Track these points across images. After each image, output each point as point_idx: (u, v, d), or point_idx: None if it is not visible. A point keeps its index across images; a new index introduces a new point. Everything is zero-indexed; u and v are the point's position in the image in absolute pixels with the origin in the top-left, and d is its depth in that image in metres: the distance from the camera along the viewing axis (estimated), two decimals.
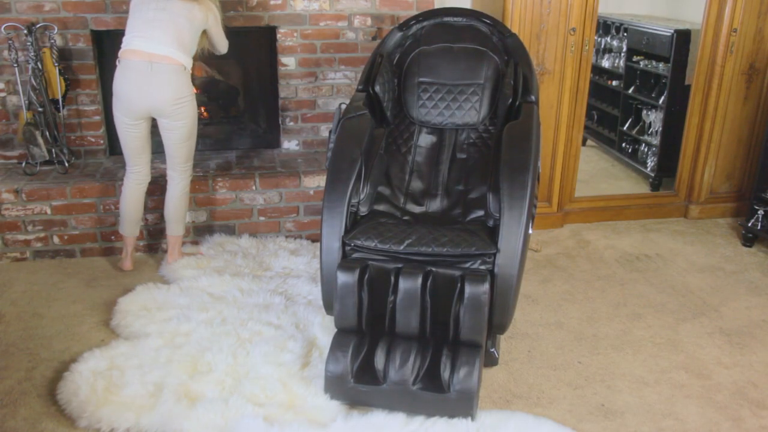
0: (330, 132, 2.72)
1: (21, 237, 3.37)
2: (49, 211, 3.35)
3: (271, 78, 3.86)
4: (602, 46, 5.00)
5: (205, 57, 3.27)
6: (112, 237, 3.44)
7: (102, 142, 3.70)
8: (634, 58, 4.66)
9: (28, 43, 3.32)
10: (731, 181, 4.05)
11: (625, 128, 4.83)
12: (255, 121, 4.02)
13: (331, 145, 2.63)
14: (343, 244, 2.45)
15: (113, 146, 3.77)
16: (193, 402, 2.27)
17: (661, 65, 4.40)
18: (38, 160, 3.49)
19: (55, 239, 3.41)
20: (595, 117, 5.24)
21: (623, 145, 4.88)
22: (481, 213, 2.63)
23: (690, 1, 4.29)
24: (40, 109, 3.42)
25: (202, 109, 4.03)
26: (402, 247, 2.40)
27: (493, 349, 2.56)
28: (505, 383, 2.51)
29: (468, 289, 2.28)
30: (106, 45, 3.62)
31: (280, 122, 3.90)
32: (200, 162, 3.71)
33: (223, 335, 2.65)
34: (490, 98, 2.92)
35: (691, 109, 3.91)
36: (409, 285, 2.32)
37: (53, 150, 3.51)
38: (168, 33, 2.92)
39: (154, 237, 3.49)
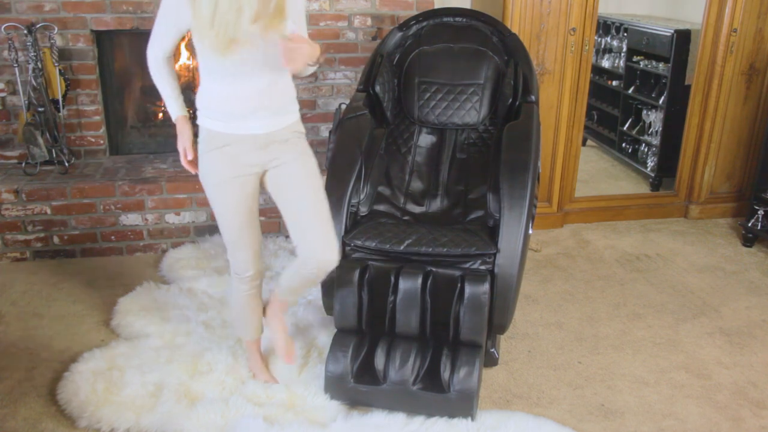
0: (330, 132, 2.72)
1: (21, 237, 3.37)
2: (49, 211, 3.35)
3: None
4: (602, 46, 5.00)
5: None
6: (113, 237, 3.44)
7: (102, 142, 3.69)
8: (634, 58, 4.66)
9: (28, 43, 3.32)
10: (731, 181, 4.05)
11: (625, 128, 4.83)
12: None
13: (331, 145, 2.63)
14: (343, 244, 2.44)
15: (113, 146, 3.78)
16: (193, 402, 2.27)
17: (661, 65, 4.40)
18: (38, 160, 3.49)
19: (55, 239, 3.41)
20: (595, 117, 5.23)
21: (623, 145, 4.87)
22: (481, 213, 2.63)
23: (690, 1, 4.29)
24: (40, 109, 3.42)
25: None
26: (402, 247, 2.39)
27: (493, 349, 2.56)
28: (505, 383, 2.51)
29: (468, 289, 2.28)
30: (106, 45, 3.62)
31: None
32: None
33: (223, 335, 2.66)
34: (490, 98, 2.91)
35: (691, 109, 3.90)
36: (409, 285, 2.32)
37: (53, 150, 3.51)
38: None
39: (153, 237, 3.49)
